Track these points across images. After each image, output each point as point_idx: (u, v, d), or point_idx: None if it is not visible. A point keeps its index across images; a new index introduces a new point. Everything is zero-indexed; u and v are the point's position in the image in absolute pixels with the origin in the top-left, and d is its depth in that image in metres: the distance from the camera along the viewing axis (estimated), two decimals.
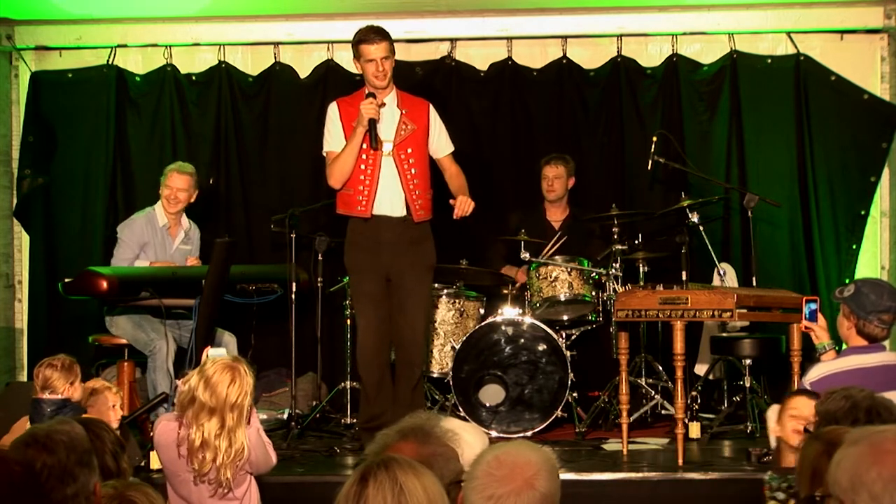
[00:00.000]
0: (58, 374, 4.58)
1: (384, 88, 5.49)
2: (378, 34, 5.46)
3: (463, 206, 5.49)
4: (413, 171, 5.50)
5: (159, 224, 6.36)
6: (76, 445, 2.55)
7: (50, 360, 4.64)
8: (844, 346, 4.24)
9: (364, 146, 5.41)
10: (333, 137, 5.55)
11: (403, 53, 7.37)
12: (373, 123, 5.38)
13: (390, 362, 5.69)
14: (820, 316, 4.41)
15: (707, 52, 7.30)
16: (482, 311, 6.59)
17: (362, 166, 5.46)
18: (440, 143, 5.66)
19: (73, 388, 4.64)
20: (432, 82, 7.33)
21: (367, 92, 5.48)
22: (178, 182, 6.34)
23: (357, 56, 5.51)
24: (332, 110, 5.59)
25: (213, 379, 3.74)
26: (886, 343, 4.26)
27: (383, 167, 5.47)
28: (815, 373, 4.11)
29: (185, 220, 6.48)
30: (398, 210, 5.50)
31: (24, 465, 2.23)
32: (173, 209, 6.36)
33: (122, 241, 6.30)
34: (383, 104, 5.48)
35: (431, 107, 5.66)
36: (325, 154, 5.60)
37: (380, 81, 5.45)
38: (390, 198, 5.48)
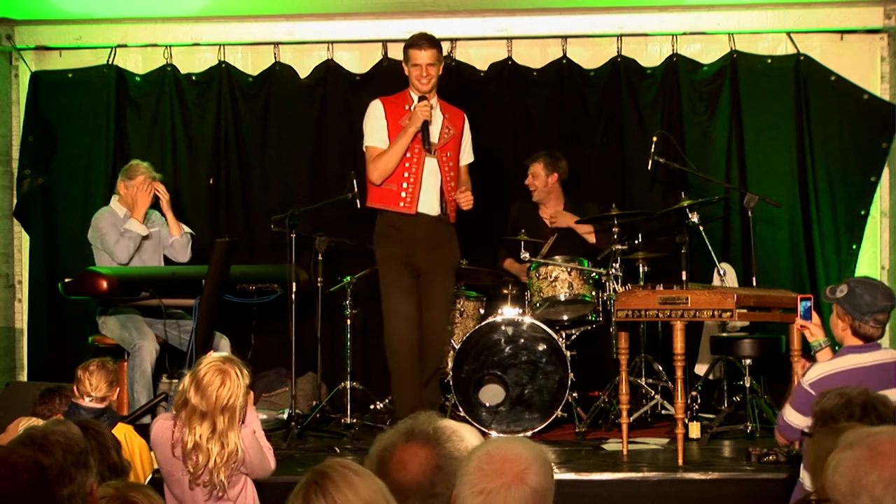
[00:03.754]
0: (109, 379, 4.59)
1: (428, 93, 5.65)
2: (428, 41, 5.66)
3: (464, 198, 5.70)
4: (452, 173, 5.74)
5: (121, 216, 6.27)
6: (73, 446, 2.54)
7: (101, 362, 4.65)
8: (839, 347, 4.23)
9: (418, 146, 5.59)
10: (377, 133, 5.69)
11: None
12: (426, 125, 5.58)
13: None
14: (814, 314, 4.41)
15: (707, 52, 7.30)
16: (482, 311, 6.59)
17: (406, 164, 5.63)
18: (465, 153, 5.89)
19: (116, 391, 4.67)
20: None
21: (417, 95, 5.63)
22: (159, 186, 6.32)
23: (405, 59, 5.71)
24: (377, 107, 5.73)
25: (204, 381, 3.75)
26: (885, 341, 4.25)
27: (427, 166, 5.65)
28: (813, 374, 4.10)
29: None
30: (435, 209, 5.69)
31: (32, 470, 2.23)
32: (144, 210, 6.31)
33: (102, 238, 6.19)
34: (432, 107, 5.66)
35: (466, 117, 5.91)
36: (365, 148, 5.73)
37: (423, 86, 5.64)
38: (430, 197, 5.68)
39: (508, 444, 2.38)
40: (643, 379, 6.40)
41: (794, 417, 4.07)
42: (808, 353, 4.49)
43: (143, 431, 4.74)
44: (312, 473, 2.32)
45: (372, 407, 6.70)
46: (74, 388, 4.63)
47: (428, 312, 5.72)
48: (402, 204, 5.65)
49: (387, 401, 6.63)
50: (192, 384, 3.77)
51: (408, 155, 5.62)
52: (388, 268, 5.73)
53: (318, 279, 6.60)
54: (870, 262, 7.16)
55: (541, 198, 6.82)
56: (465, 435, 2.76)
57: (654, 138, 6.48)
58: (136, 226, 6.22)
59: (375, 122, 5.71)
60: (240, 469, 3.83)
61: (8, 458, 2.27)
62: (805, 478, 3.94)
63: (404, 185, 5.64)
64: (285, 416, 6.39)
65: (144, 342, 5.95)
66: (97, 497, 2.48)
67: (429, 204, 5.68)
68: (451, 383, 6.21)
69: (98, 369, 4.58)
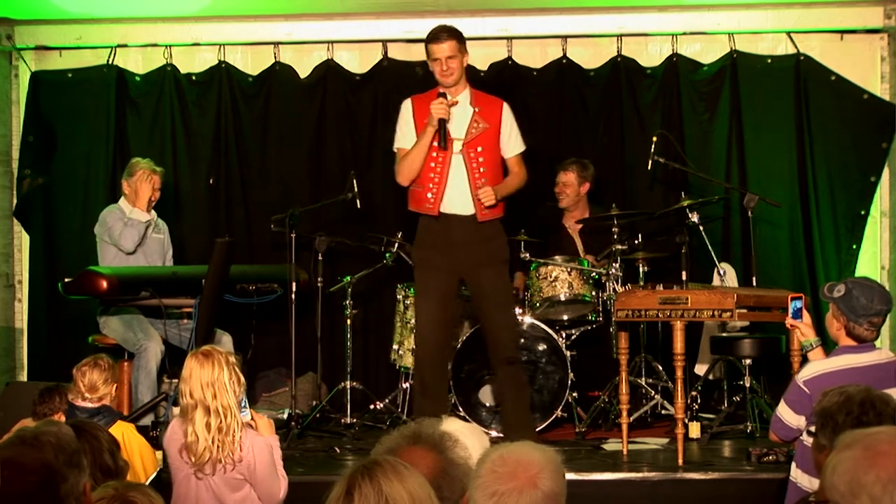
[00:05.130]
0: (103, 377, 4.60)
1: (452, 87, 5.51)
2: (445, 33, 5.52)
3: (483, 194, 5.44)
4: (482, 169, 5.49)
5: (127, 216, 6.31)
6: (64, 446, 2.54)
7: (93, 360, 4.65)
8: (836, 347, 4.22)
9: (435, 144, 5.43)
10: (404, 134, 5.56)
11: (403, 53, 7.40)
12: (442, 123, 5.41)
13: (448, 363, 5.68)
14: (806, 313, 4.40)
15: (707, 52, 7.30)
16: None
17: (432, 164, 5.47)
18: (509, 143, 5.63)
19: (114, 389, 4.68)
20: (432, 82, 7.31)
21: (438, 91, 5.50)
22: (156, 181, 6.34)
23: (427, 56, 5.58)
24: (406, 107, 5.60)
25: (188, 373, 3.87)
26: (885, 342, 4.25)
27: (453, 165, 5.48)
28: (808, 371, 4.09)
29: (151, 210, 6.46)
30: (467, 208, 5.49)
31: (40, 472, 2.22)
32: (149, 207, 6.34)
33: (110, 230, 6.23)
34: (455, 102, 5.51)
35: (506, 106, 5.65)
36: (395, 150, 5.62)
37: (445, 80, 5.50)
38: (459, 196, 5.48)
39: (522, 448, 2.38)
40: (643, 379, 6.41)
41: (785, 413, 4.07)
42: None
43: (143, 432, 4.75)
44: (362, 461, 2.31)
45: (372, 407, 6.69)
46: (73, 390, 4.64)
47: (484, 310, 5.56)
48: (427, 205, 5.50)
49: (387, 400, 6.63)
50: (182, 384, 3.90)
51: (434, 154, 5.46)
52: (419, 272, 5.61)
53: (318, 279, 6.60)
54: (870, 262, 7.16)
55: (568, 205, 6.84)
56: (468, 443, 2.77)
57: (654, 138, 6.47)
58: (139, 213, 6.24)
59: (403, 123, 5.57)
60: (244, 471, 3.85)
61: (17, 459, 2.27)
62: (798, 477, 3.94)
63: (430, 185, 5.47)
64: (285, 416, 6.39)
65: (150, 343, 5.95)
66: (91, 497, 2.47)
67: (460, 203, 5.47)
68: (451, 383, 6.21)
69: (91, 368, 4.58)
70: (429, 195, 5.48)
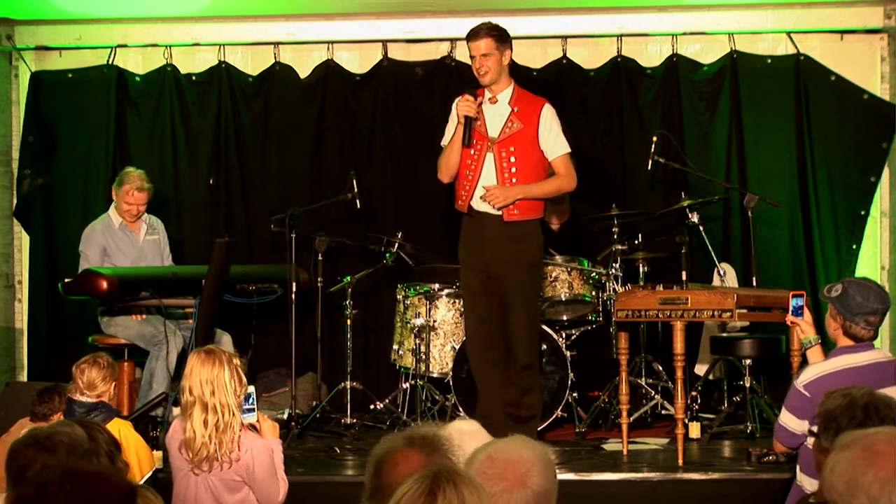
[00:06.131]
0: (102, 374, 4.61)
1: (490, 85, 5.50)
2: (483, 30, 5.51)
3: (490, 195, 5.38)
4: (513, 169, 5.44)
5: (116, 225, 6.36)
6: (76, 447, 2.55)
7: (93, 358, 4.66)
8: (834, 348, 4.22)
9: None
10: (448, 131, 5.58)
11: (403, 53, 7.39)
12: (468, 121, 5.40)
13: (502, 359, 5.56)
14: (806, 311, 4.39)
15: (707, 52, 7.30)
16: None
17: (468, 161, 5.47)
18: (548, 144, 5.51)
19: (113, 388, 4.69)
20: (432, 82, 7.33)
21: (468, 91, 5.51)
22: (139, 199, 6.36)
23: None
24: (454, 104, 5.58)
25: (188, 371, 3.88)
26: (884, 343, 4.24)
27: (486, 164, 5.46)
28: (807, 375, 4.07)
29: (143, 214, 6.48)
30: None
31: (124, 489, 2.24)
32: (132, 219, 6.39)
33: (83, 255, 6.32)
34: (487, 100, 5.50)
35: (547, 107, 5.56)
36: (441, 146, 5.63)
37: (480, 78, 5.50)
38: None
39: (510, 447, 2.37)
40: (643, 379, 6.41)
41: (789, 421, 4.04)
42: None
43: (146, 426, 4.76)
44: (437, 468, 2.29)
45: (372, 407, 6.69)
46: (71, 386, 4.66)
47: (507, 314, 5.49)
48: (459, 202, 5.52)
49: (387, 401, 6.63)
50: (183, 381, 3.91)
51: (471, 153, 5.45)
52: (461, 272, 5.65)
53: (318, 279, 6.59)
54: (870, 262, 7.16)
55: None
56: (468, 445, 2.76)
57: (654, 138, 6.48)
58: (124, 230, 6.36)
59: (449, 121, 5.59)
60: (241, 472, 3.86)
61: (105, 473, 2.30)
62: (804, 481, 3.93)
63: (464, 182, 5.47)
64: (285, 416, 6.39)
65: (171, 336, 5.96)
66: None
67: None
68: (451, 383, 6.22)
69: (90, 366, 4.60)
70: (462, 192, 5.49)
